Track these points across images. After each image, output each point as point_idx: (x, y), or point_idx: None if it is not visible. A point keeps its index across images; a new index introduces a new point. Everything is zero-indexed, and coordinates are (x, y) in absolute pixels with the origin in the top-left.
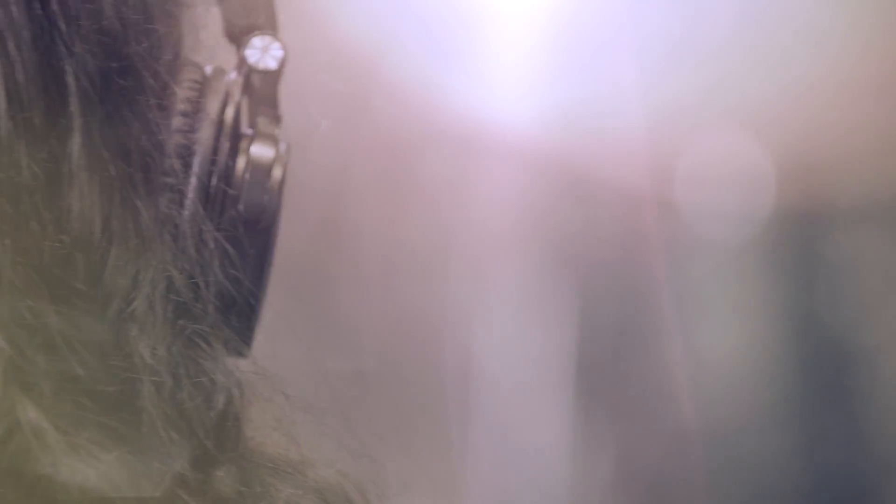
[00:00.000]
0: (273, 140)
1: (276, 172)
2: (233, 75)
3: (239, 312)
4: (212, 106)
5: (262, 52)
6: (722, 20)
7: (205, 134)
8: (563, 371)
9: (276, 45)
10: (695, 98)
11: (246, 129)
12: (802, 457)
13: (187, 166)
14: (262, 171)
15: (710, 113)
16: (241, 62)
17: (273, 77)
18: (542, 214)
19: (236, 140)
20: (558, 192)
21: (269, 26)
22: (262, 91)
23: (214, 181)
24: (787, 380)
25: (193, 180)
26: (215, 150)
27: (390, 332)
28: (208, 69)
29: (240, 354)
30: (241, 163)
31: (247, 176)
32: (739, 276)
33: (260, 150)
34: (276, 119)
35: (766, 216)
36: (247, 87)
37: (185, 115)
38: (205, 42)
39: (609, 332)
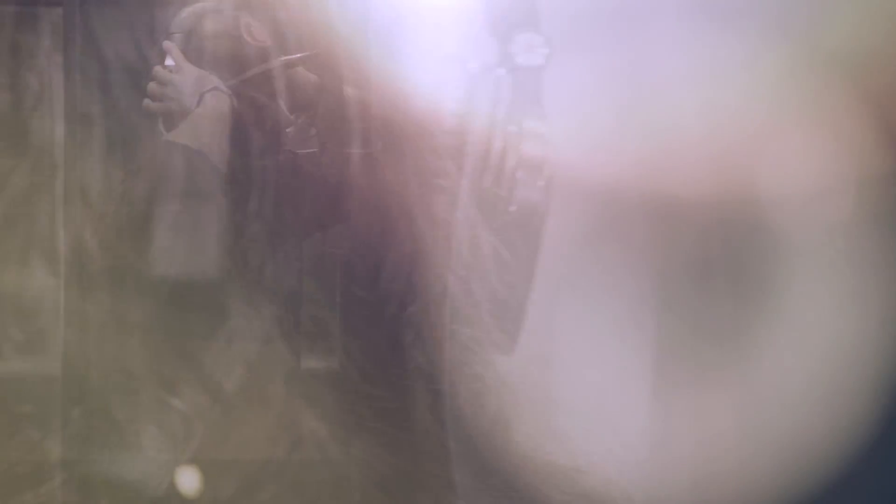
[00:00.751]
0: (541, 138)
1: (546, 171)
2: (499, 73)
3: (510, 316)
4: (481, 105)
5: (528, 50)
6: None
7: (476, 135)
8: (643, 367)
9: (541, 41)
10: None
11: (513, 127)
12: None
13: (459, 168)
14: (532, 169)
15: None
16: (507, 59)
17: (538, 74)
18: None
19: (506, 139)
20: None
21: (534, 24)
22: (528, 88)
23: (486, 182)
24: (871, 384)
25: (465, 182)
26: (486, 151)
27: None
28: (475, 67)
29: (509, 358)
30: (511, 162)
31: (518, 175)
32: (821, 274)
33: (530, 149)
34: (543, 116)
35: (846, 215)
36: (513, 85)
37: (455, 115)
38: (470, 39)
39: (687, 328)
